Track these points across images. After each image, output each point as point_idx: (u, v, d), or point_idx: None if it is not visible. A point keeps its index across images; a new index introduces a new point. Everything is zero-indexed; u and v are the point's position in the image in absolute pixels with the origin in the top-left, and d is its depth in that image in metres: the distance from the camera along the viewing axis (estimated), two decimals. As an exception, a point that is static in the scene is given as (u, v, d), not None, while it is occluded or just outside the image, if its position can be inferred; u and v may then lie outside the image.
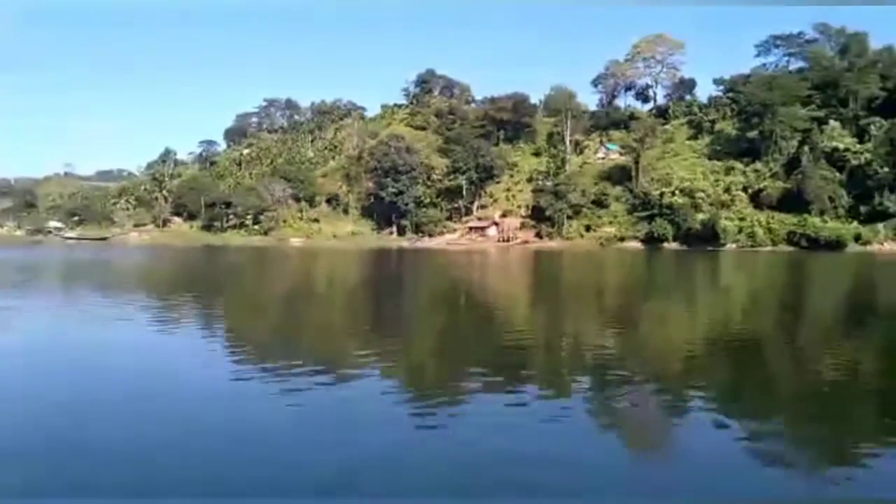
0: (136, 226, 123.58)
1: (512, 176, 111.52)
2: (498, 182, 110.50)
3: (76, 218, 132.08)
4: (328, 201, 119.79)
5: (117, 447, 6.56)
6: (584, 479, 5.99)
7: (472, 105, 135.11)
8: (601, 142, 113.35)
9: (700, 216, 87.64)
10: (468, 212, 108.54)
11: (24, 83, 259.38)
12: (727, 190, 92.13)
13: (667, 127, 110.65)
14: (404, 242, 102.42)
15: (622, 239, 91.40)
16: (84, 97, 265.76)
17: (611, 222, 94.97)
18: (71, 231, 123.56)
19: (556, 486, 5.73)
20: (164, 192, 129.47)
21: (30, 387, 9.24)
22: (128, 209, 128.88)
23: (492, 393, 8.89)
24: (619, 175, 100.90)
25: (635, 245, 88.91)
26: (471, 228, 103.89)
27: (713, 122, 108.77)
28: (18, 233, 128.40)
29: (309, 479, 5.82)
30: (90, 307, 18.85)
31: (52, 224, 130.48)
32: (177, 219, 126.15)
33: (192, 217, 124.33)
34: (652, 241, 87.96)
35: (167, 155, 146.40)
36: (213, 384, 9.36)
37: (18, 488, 5.57)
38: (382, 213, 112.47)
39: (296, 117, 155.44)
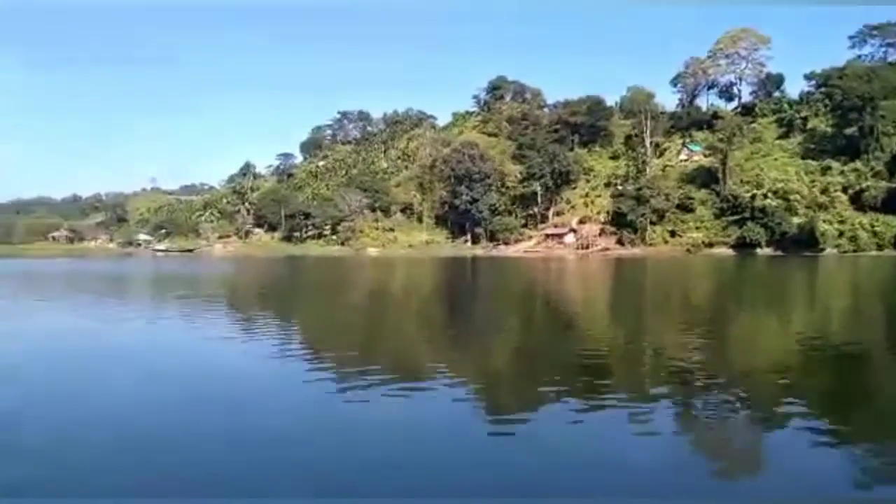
0: (220, 238, 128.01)
1: (589, 181, 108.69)
2: (574, 188, 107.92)
3: (163, 231, 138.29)
4: (403, 211, 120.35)
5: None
6: (659, 488, 5.77)
7: (545, 110, 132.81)
8: (683, 143, 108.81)
9: (796, 219, 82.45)
10: (544, 219, 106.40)
11: (110, 104, 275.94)
12: (825, 191, 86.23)
13: (754, 126, 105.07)
14: (479, 251, 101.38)
15: (710, 245, 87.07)
16: (167, 115, 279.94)
17: (697, 227, 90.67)
18: (159, 243, 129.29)
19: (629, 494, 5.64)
20: (246, 204, 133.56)
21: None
22: (212, 222, 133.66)
23: (570, 400, 8.59)
24: (705, 177, 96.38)
25: (725, 251, 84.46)
26: (547, 236, 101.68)
27: (805, 119, 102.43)
28: (111, 245, 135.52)
29: (376, 485, 5.74)
30: (193, 317, 18.64)
31: (142, 237, 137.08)
32: (258, 230, 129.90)
33: (272, 228, 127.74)
34: (743, 246, 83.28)
35: (247, 168, 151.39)
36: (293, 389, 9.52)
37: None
38: (456, 221, 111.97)
39: (368, 128, 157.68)
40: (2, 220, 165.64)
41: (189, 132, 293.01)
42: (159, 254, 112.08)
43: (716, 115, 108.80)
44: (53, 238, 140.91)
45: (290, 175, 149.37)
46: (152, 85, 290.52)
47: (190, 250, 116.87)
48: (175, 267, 59.42)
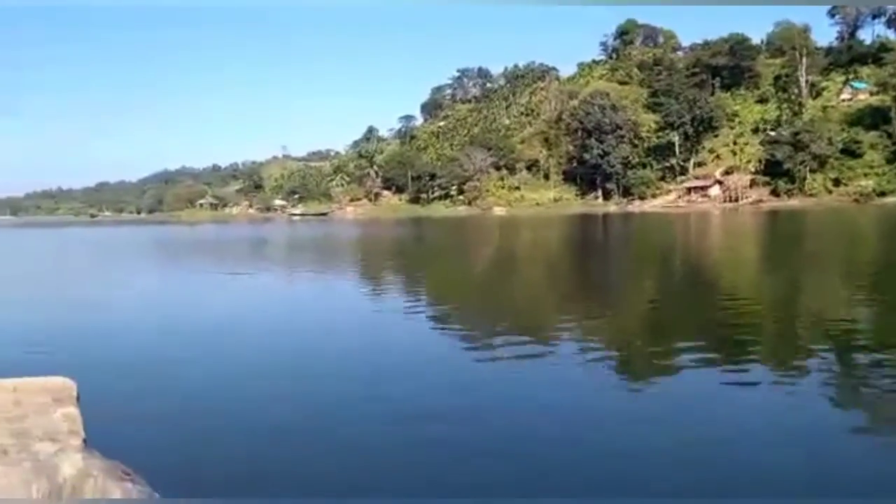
0: (351, 201, 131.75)
1: (733, 128, 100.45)
2: (717, 135, 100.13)
3: (296, 196, 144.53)
4: (528, 168, 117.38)
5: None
6: (816, 475, 4.95)
7: (680, 53, 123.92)
8: (846, 81, 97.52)
9: None
10: (683, 171, 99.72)
11: (242, 78, 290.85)
12: None
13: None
14: (612, 207, 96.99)
15: (883, 193, 77.93)
16: (292, 85, 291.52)
17: (866, 174, 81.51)
18: (294, 208, 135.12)
19: (788, 484, 4.78)
20: (374, 167, 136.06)
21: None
22: (342, 186, 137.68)
23: (713, 370, 7.93)
24: (874, 117, 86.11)
25: (902, 200, 75.29)
26: (689, 189, 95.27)
27: None
28: (251, 211, 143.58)
29: (515, 476, 5.04)
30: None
31: (278, 202, 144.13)
32: (386, 192, 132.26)
33: (399, 190, 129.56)
34: (926, 194, 73.88)
35: (370, 133, 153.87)
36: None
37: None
38: (586, 176, 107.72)
39: (488, 85, 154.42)
40: (153, 191, 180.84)
41: (312, 100, 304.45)
42: (295, 218, 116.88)
43: (884, 48, 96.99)
44: (200, 205, 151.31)
45: (412, 137, 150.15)
46: (283, 58, 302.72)
47: (324, 214, 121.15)
48: (319, 231, 61.02)
